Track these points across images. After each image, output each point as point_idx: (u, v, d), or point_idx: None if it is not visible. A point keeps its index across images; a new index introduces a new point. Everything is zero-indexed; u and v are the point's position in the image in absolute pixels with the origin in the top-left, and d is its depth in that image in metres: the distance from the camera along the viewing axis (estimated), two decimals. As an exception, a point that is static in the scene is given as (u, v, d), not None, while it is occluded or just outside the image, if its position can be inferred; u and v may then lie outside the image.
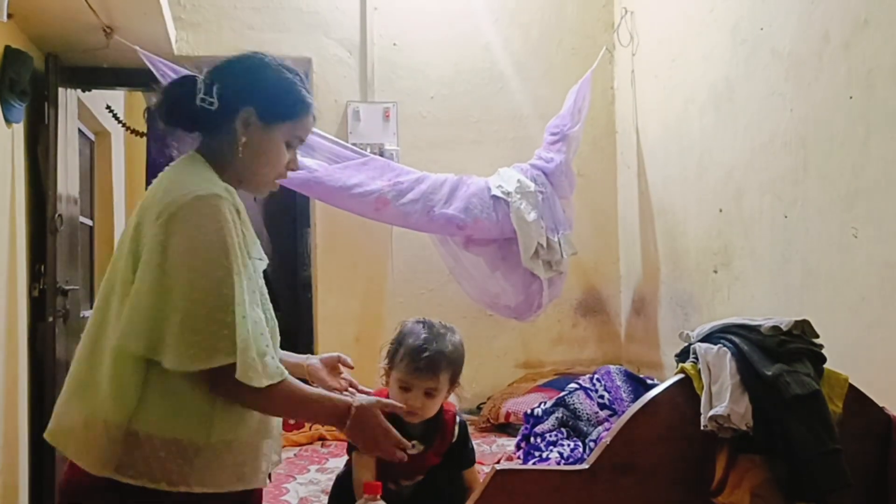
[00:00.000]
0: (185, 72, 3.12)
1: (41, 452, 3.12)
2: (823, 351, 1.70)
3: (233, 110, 1.37)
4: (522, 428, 2.73)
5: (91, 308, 4.10)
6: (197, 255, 1.25)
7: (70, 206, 3.42)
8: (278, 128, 1.41)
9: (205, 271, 1.24)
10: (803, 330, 1.69)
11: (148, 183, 4.03)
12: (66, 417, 1.30)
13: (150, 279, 1.23)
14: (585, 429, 2.52)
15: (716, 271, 2.85)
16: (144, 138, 3.92)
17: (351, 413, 1.38)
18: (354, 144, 3.38)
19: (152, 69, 3.05)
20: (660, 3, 3.32)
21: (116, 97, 4.53)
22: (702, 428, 1.61)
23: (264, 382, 1.27)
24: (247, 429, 1.35)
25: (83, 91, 3.67)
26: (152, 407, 1.26)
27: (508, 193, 3.30)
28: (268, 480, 1.42)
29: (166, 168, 1.42)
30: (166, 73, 3.06)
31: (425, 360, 1.75)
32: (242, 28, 3.54)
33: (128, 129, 4.10)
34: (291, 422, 3.04)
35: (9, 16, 2.36)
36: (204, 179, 1.33)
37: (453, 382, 1.82)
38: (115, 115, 4.06)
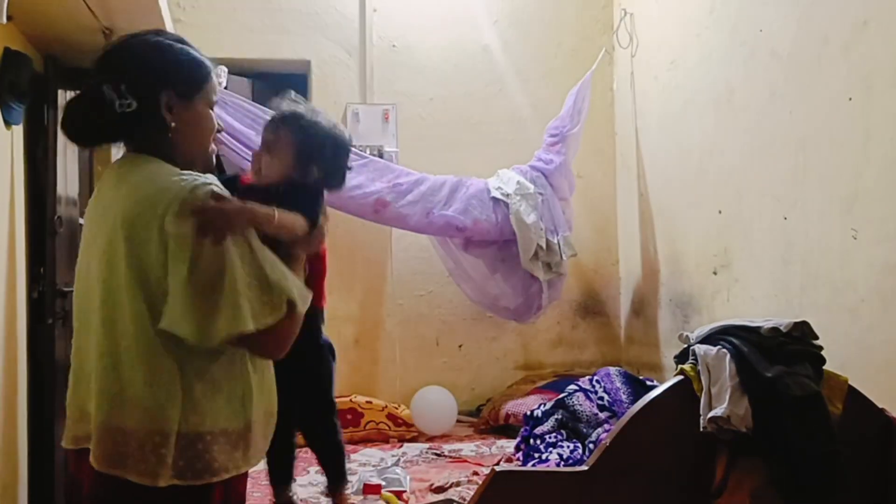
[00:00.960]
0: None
1: (40, 455, 3.11)
2: (823, 352, 1.70)
3: (153, 101, 1.32)
4: (522, 429, 2.73)
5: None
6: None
7: (70, 208, 3.42)
8: (197, 100, 1.37)
9: (235, 247, 1.25)
10: (803, 331, 1.70)
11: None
12: (110, 438, 1.26)
13: (186, 268, 1.22)
14: (585, 430, 2.53)
15: (715, 273, 2.85)
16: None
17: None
18: (354, 146, 3.38)
19: (152, 71, 3.06)
20: (659, 4, 3.32)
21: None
22: (701, 430, 1.61)
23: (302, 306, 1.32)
24: (270, 401, 1.39)
25: (83, 93, 3.67)
26: (196, 405, 1.27)
27: (508, 195, 3.30)
28: None
29: (117, 169, 1.36)
30: (166, 74, 3.06)
31: (278, 114, 1.63)
32: (242, 30, 3.54)
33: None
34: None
35: (8, 18, 2.35)
36: (179, 173, 1.30)
37: (301, 156, 1.58)
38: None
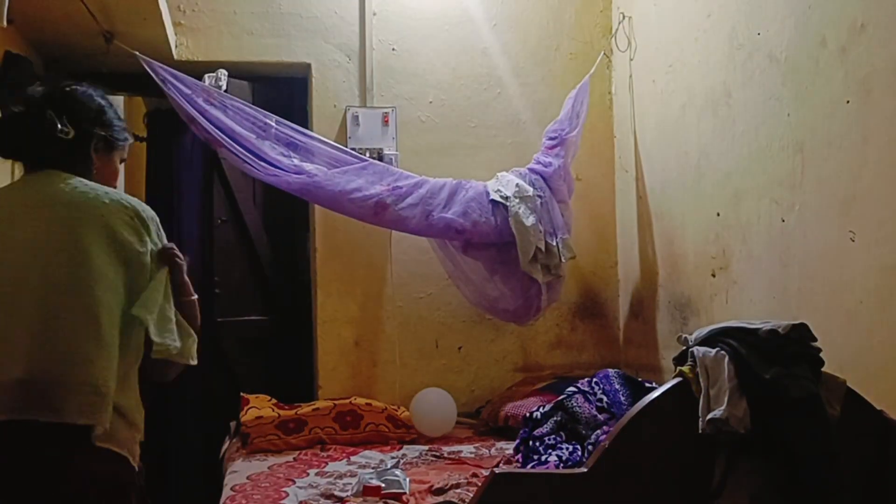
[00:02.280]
0: (185, 77, 3.15)
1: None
2: (821, 354, 1.71)
3: (87, 139, 1.57)
4: (521, 431, 2.73)
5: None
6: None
7: (69, 211, 3.43)
8: (116, 152, 1.66)
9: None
10: (801, 333, 1.70)
11: (149, 186, 4.02)
12: (92, 395, 1.43)
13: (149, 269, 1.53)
14: (584, 432, 2.53)
15: (714, 275, 2.86)
16: (144, 143, 3.93)
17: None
18: (353, 149, 3.39)
19: (152, 75, 3.06)
20: (657, 8, 3.34)
21: (116, 102, 4.53)
22: (700, 431, 1.61)
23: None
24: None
25: (83, 96, 3.68)
26: (129, 390, 1.52)
27: (507, 198, 3.31)
28: None
29: (41, 182, 1.54)
30: (166, 78, 3.07)
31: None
32: (242, 33, 3.55)
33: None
34: (291, 425, 3.05)
35: (9, 21, 2.36)
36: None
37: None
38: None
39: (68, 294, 1.44)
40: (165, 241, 1.60)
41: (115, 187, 1.65)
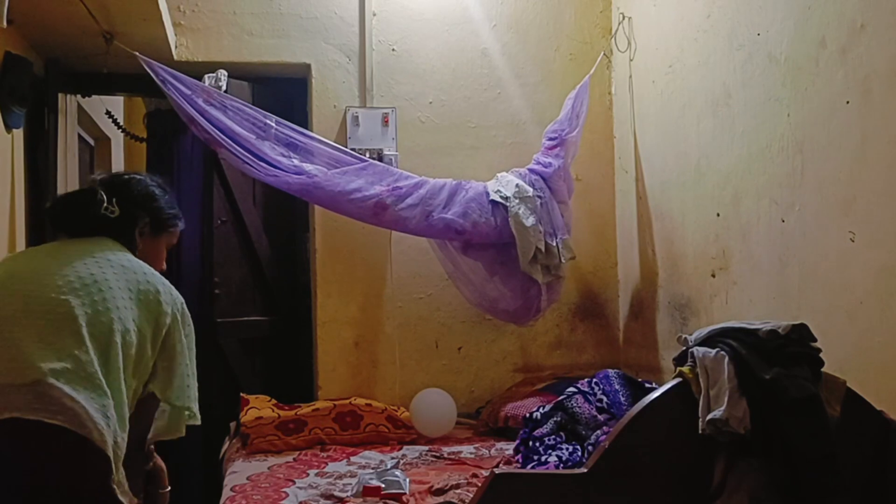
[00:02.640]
0: (185, 77, 3.15)
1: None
2: (821, 355, 1.71)
3: (132, 220, 1.75)
4: (521, 432, 2.73)
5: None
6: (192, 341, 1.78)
7: (69, 212, 3.43)
8: (163, 237, 1.84)
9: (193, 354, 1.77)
10: (801, 334, 1.70)
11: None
12: (98, 412, 1.50)
13: (183, 361, 1.71)
14: (584, 433, 2.53)
15: (713, 275, 2.86)
16: (144, 143, 3.93)
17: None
18: (353, 150, 3.39)
19: (152, 75, 3.06)
20: (657, 8, 3.34)
21: (116, 102, 4.54)
22: (700, 432, 1.61)
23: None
24: None
25: (83, 97, 3.68)
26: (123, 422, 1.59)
27: (507, 198, 3.31)
28: None
29: (118, 254, 1.70)
30: (166, 78, 3.07)
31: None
32: (242, 34, 3.55)
33: (128, 134, 4.11)
34: (291, 426, 3.05)
35: (9, 21, 2.36)
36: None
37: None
38: (115, 121, 4.07)
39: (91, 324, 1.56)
40: (185, 331, 1.72)
41: (160, 268, 1.81)
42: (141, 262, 1.71)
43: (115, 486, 1.49)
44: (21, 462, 1.43)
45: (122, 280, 1.62)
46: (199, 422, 1.75)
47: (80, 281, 1.57)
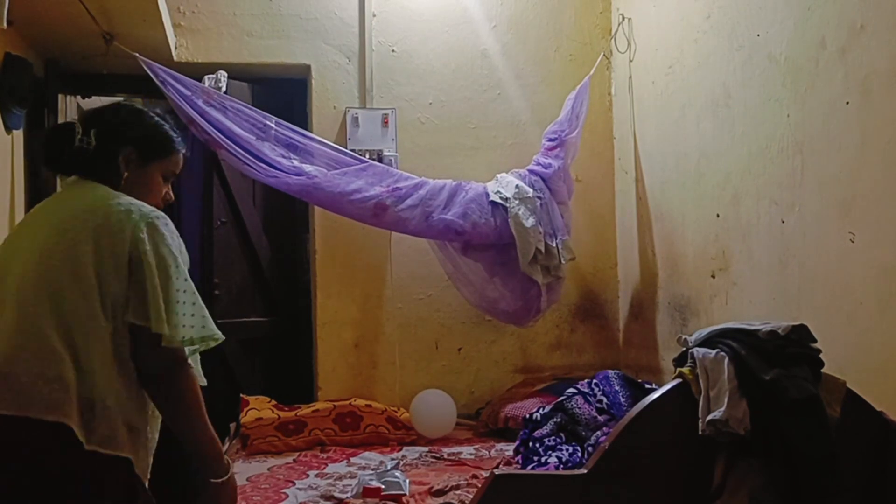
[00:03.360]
0: (184, 78, 3.15)
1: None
2: (821, 355, 1.71)
3: (114, 150, 1.60)
4: (521, 433, 2.73)
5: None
6: (176, 256, 1.52)
7: (69, 212, 3.42)
8: (155, 164, 1.66)
9: (182, 271, 1.53)
10: (801, 334, 1.70)
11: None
12: (60, 392, 1.40)
13: (151, 273, 1.46)
14: (584, 433, 2.53)
15: (713, 276, 2.86)
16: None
17: (230, 474, 1.54)
18: (353, 150, 3.39)
19: (152, 76, 3.07)
20: (657, 9, 3.34)
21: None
22: (700, 432, 1.61)
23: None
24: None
25: (83, 98, 3.68)
26: (119, 388, 1.45)
27: (507, 199, 3.31)
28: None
29: (67, 191, 1.61)
30: (166, 79, 3.07)
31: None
32: (241, 35, 3.55)
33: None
34: (291, 427, 3.04)
35: (9, 22, 2.36)
36: (141, 201, 1.56)
37: None
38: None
39: (48, 292, 1.45)
40: (169, 244, 1.51)
41: (158, 198, 1.68)
42: (105, 193, 1.55)
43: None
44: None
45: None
46: (200, 342, 1.50)
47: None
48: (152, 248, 1.47)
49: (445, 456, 2.91)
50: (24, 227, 1.61)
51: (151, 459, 1.54)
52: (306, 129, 3.45)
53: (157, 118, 1.69)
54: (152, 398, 1.50)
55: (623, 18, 3.64)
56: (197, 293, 1.52)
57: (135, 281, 1.46)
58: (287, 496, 2.41)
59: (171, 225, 1.54)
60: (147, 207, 1.52)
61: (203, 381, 1.55)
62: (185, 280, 1.51)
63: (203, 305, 1.52)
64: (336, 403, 3.22)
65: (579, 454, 2.44)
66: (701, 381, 1.66)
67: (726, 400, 1.60)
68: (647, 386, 2.64)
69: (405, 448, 3.07)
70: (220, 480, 1.50)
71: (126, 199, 1.53)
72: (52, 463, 1.38)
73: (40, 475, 1.38)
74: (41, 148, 1.65)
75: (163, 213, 1.54)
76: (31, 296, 1.45)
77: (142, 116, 1.67)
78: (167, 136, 1.68)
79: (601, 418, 2.55)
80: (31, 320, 1.43)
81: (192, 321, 1.48)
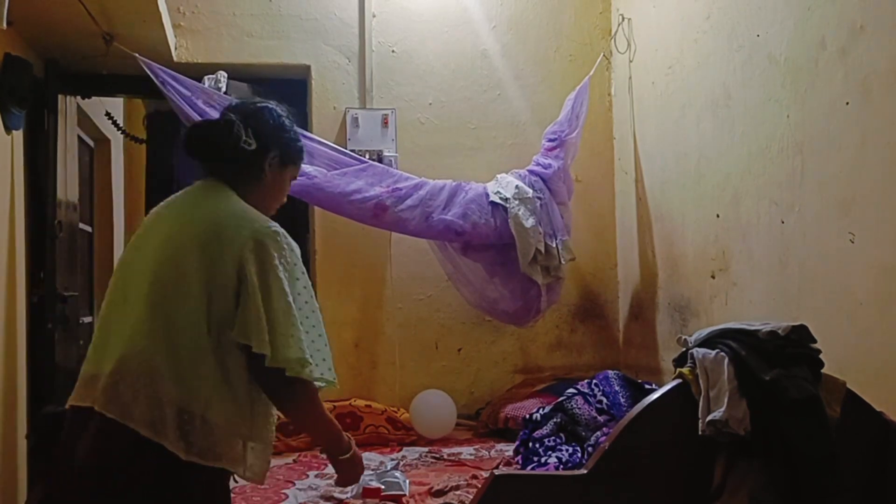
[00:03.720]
0: (184, 79, 3.14)
1: (39, 459, 3.11)
2: (821, 356, 1.71)
3: (264, 151, 1.66)
4: (521, 433, 2.73)
5: (89, 314, 4.05)
6: (286, 275, 1.54)
7: (69, 213, 3.42)
8: (289, 169, 1.75)
9: (301, 290, 1.57)
10: (801, 335, 1.70)
11: (149, 189, 4.03)
12: (157, 409, 1.44)
13: (255, 298, 1.49)
14: (584, 434, 2.53)
15: (713, 276, 2.86)
16: (143, 145, 3.93)
17: (352, 450, 1.67)
18: (353, 151, 3.39)
19: (152, 76, 3.07)
20: (657, 10, 3.34)
21: (116, 104, 4.54)
22: (700, 433, 1.61)
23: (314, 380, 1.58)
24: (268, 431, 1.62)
25: (83, 98, 3.68)
26: (222, 402, 1.49)
27: (507, 199, 3.31)
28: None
29: (192, 193, 1.64)
30: (166, 80, 3.07)
31: None
32: (241, 35, 3.55)
33: (127, 135, 4.11)
34: (291, 427, 3.04)
35: (9, 23, 2.36)
36: (258, 213, 1.60)
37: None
38: (114, 122, 4.07)
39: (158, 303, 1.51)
40: (276, 264, 1.54)
41: (282, 201, 1.78)
42: (228, 203, 1.60)
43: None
44: None
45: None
46: (307, 376, 1.52)
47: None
48: (258, 268, 1.50)
49: (445, 456, 2.91)
50: (151, 226, 1.63)
51: (268, 465, 1.64)
52: (306, 129, 3.45)
53: (294, 126, 1.77)
54: (276, 406, 1.60)
55: (623, 19, 3.64)
56: (302, 312, 1.55)
57: (241, 300, 1.50)
58: (287, 496, 2.42)
59: (287, 238, 1.58)
60: (262, 222, 1.57)
61: (331, 377, 1.61)
62: (288, 302, 1.52)
63: (299, 327, 1.53)
64: (336, 404, 3.22)
65: (579, 454, 2.44)
66: (701, 381, 1.66)
67: (726, 400, 1.60)
68: (647, 386, 2.64)
69: (405, 448, 3.07)
70: (345, 457, 1.66)
71: (243, 213, 1.57)
72: (146, 469, 1.44)
73: (134, 480, 1.44)
74: (190, 137, 1.66)
75: (279, 227, 1.58)
76: (143, 307, 1.50)
77: (285, 122, 1.74)
78: (301, 143, 1.78)
79: (601, 419, 2.55)
80: (140, 335, 1.48)
81: (291, 342, 1.50)
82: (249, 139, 1.63)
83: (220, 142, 1.62)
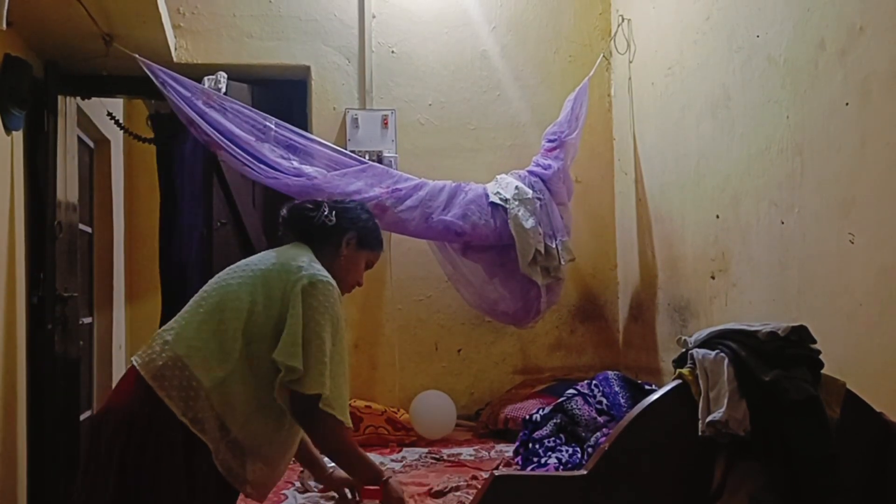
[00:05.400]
0: (184, 79, 3.15)
1: (40, 460, 3.11)
2: (821, 356, 1.71)
3: (344, 229, 2.04)
4: (521, 434, 2.73)
5: (89, 315, 4.06)
6: (333, 320, 1.82)
7: (69, 214, 3.43)
8: (364, 253, 2.10)
9: (335, 334, 1.82)
10: (800, 335, 1.70)
11: (162, 189, 4.03)
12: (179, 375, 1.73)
13: (297, 325, 1.76)
14: (584, 434, 2.53)
15: (713, 277, 2.86)
16: (145, 145, 3.92)
17: (388, 477, 1.88)
18: (353, 151, 3.39)
19: (152, 77, 3.07)
20: (656, 11, 3.34)
21: (116, 105, 4.54)
22: (700, 433, 1.61)
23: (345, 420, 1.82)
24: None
25: (83, 99, 3.69)
26: (246, 417, 1.76)
27: (506, 200, 3.31)
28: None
29: (284, 246, 2.02)
30: (166, 80, 3.07)
31: None
32: (241, 36, 3.55)
33: (131, 134, 4.10)
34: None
35: (8, 24, 2.37)
36: (324, 269, 1.90)
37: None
38: (117, 122, 4.07)
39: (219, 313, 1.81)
40: (321, 303, 1.80)
41: (358, 281, 2.10)
42: (301, 253, 1.92)
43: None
44: None
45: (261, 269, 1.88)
46: (327, 403, 1.75)
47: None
48: (304, 301, 1.77)
49: (445, 457, 2.91)
50: (246, 260, 1.98)
51: (273, 485, 1.90)
52: (306, 130, 3.45)
53: (373, 222, 2.14)
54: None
55: (622, 20, 3.64)
56: (337, 359, 1.80)
57: (284, 328, 1.75)
58: (286, 497, 2.41)
59: (336, 293, 1.85)
60: (321, 273, 1.86)
61: (347, 421, 1.81)
62: (321, 340, 1.76)
63: (341, 375, 1.80)
64: (336, 404, 3.21)
65: (579, 455, 2.44)
66: (701, 382, 1.66)
67: (726, 401, 1.60)
68: (647, 387, 2.64)
69: (405, 449, 3.07)
70: (373, 487, 1.85)
71: (312, 262, 1.89)
72: (177, 448, 1.68)
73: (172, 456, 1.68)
74: (289, 212, 2.08)
75: (332, 281, 1.86)
76: (197, 323, 1.80)
77: (363, 216, 2.11)
78: (380, 237, 2.16)
79: (601, 419, 2.55)
80: (190, 349, 1.75)
81: (325, 373, 1.74)
82: (331, 216, 2.02)
83: (309, 215, 2.03)
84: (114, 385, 1.86)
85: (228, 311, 1.79)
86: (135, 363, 1.76)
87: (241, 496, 1.83)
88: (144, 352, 1.78)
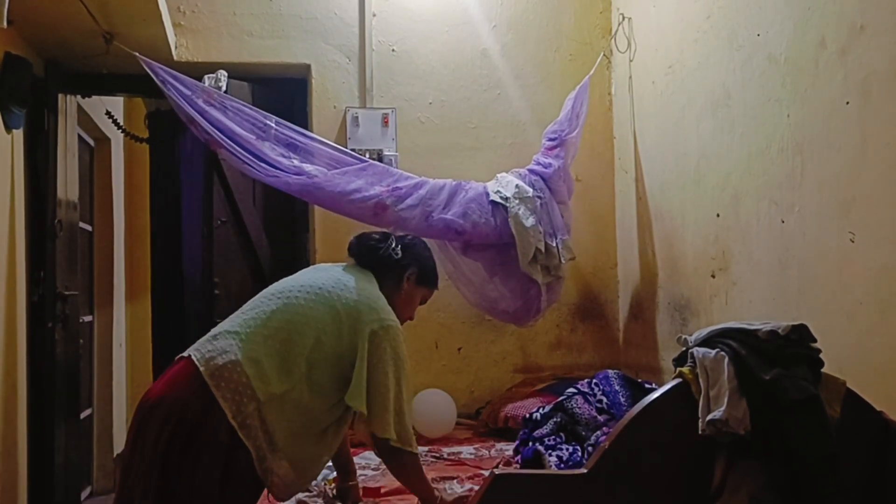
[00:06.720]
0: (184, 78, 3.15)
1: (40, 458, 3.11)
2: (821, 355, 1.71)
3: (406, 265, 2.15)
4: (521, 432, 2.73)
5: (90, 313, 4.07)
6: (397, 363, 1.92)
7: (70, 212, 3.43)
8: (422, 289, 2.21)
9: (399, 376, 1.92)
10: (801, 334, 1.70)
11: (153, 187, 4.04)
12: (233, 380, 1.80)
13: (362, 370, 1.88)
14: (584, 433, 2.53)
15: (713, 276, 2.86)
16: (144, 144, 3.93)
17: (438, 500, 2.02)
18: (353, 150, 3.39)
19: (152, 75, 3.06)
20: (657, 9, 3.34)
21: (116, 103, 4.54)
22: (700, 432, 1.61)
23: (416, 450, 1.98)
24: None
25: (83, 97, 3.69)
26: (293, 432, 1.85)
27: (507, 199, 3.31)
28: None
29: (352, 267, 2.11)
30: (166, 79, 3.07)
31: None
32: (242, 34, 3.55)
33: (128, 134, 4.11)
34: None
35: (9, 22, 2.36)
36: (391, 310, 2.00)
37: None
38: (115, 121, 4.08)
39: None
40: (392, 348, 1.92)
41: (411, 315, 2.20)
42: (369, 288, 2.01)
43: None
44: None
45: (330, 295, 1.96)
46: (397, 442, 1.90)
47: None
48: (370, 347, 1.87)
49: (445, 455, 2.91)
50: (310, 271, 2.16)
51: (298, 490, 1.97)
52: (306, 128, 3.45)
53: (432, 261, 2.25)
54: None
55: (623, 18, 3.64)
56: (401, 398, 1.91)
57: (349, 363, 1.88)
58: (287, 496, 2.41)
59: (401, 335, 1.96)
60: (390, 318, 1.95)
61: (415, 449, 1.96)
62: (386, 388, 1.87)
63: (405, 412, 1.92)
64: (336, 403, 3.21)
65: (579, 454, 2.44)
66: (701, 380, 1.66)
67: (726, 400, 1.60)
68: (647, 386, 2.64)
69: (405, 448, 3.06)
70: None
71: (383, 303, 1.98)
72: (219, 444, 1.75)
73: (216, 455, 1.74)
74: (358, 241, 2.17)
75: (397, 324, 1.97)
76: (262, 337, 1.86)
77: (426, 254, 2.24)
78: (437, 275, 2.27)
79: (601, 418, 2.55)
80: (252, 361, 1.81)
81: (390, 420, 1.87)
82: (397, 250, 2.12)
83: (377, 246, 2.13)
84: (154, 377, 1.97)
85: (295, 335, 1.86)
86: (193, 357, 1.81)
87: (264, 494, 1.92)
88: (203, 346, 1.84)
